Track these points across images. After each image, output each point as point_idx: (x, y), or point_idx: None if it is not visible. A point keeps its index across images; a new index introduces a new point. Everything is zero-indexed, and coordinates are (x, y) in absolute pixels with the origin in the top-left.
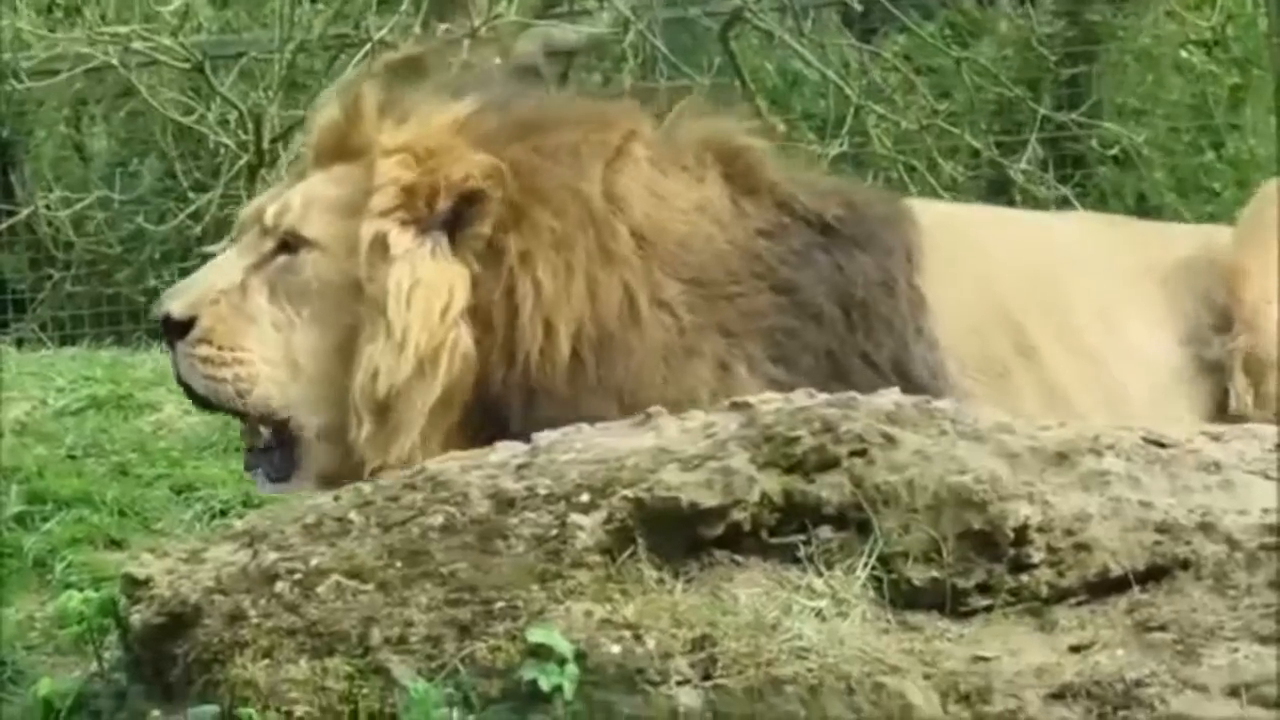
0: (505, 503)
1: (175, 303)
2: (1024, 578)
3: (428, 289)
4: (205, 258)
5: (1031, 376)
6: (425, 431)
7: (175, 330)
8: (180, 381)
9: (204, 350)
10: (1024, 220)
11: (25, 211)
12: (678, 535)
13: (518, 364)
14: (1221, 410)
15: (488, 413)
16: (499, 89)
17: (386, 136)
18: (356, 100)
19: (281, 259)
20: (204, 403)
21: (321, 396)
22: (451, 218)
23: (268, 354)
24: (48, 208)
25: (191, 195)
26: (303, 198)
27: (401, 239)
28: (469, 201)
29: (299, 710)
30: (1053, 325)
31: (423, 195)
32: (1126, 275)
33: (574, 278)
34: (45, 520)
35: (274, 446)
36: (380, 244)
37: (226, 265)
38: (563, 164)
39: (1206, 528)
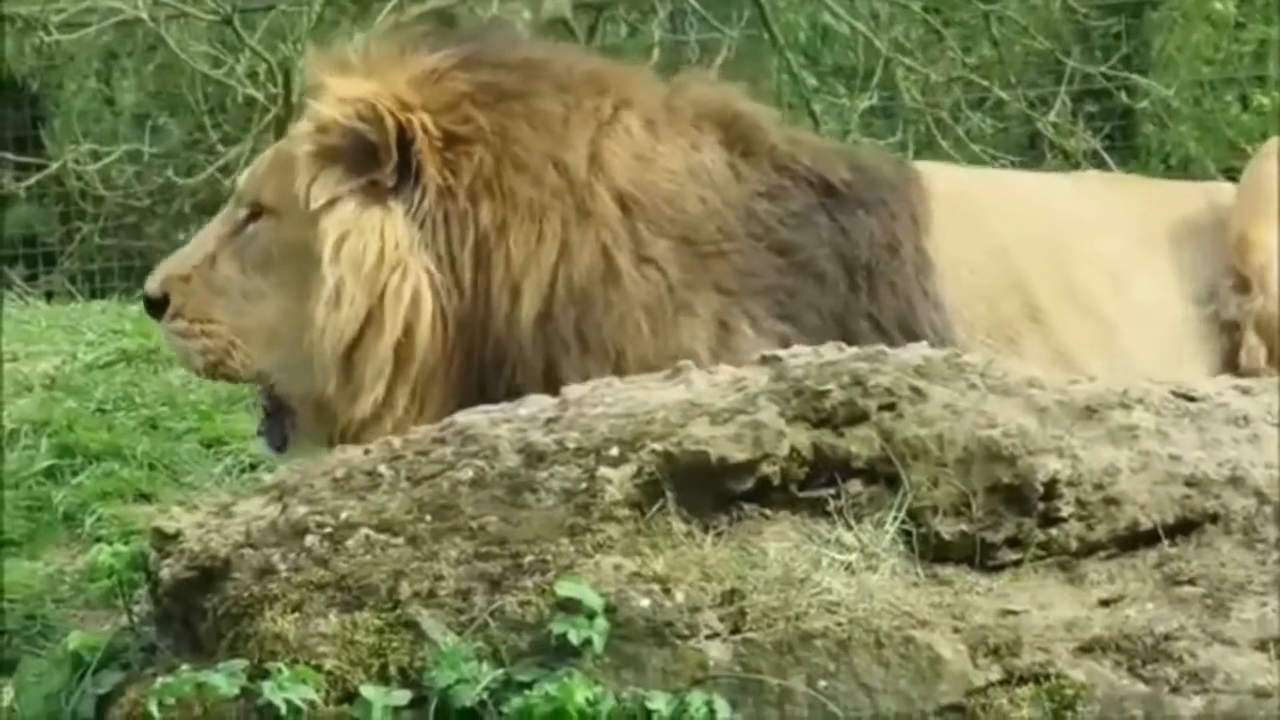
0: (535, 456)
1: (151, 282)
2: (1053, 531)
3: (356, 236)
4: None
5: (1041, 340)
6: (391, 382)
7: (155, 308)
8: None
9: (177, 325)
10: (1031, 182)
11: (54, 165)
12: (707, 489)
13: (490, 333)
14: (1232, 368)
15: (481, 376)
16: (475, 45)
17: (334, 84)
18: (325, 52)
19: (251, 228)
20: (197, 373)
21: (299, 362)
22: (365, 160)
23: (240, 324)
24: (76, 161)
25: (221, 148)
26: (268, 162)
27: (324, 185)
28: (368, 142)
29: (328, 664)
30: (1063, 289)
31: (327, 133)
32: (1135, 235)
33: (544, 242)
34: (75, 474)
35: (274, 414)
36: (307, 194)
37: (203, 238)
38: (550, 131)
39: (1235, 481)
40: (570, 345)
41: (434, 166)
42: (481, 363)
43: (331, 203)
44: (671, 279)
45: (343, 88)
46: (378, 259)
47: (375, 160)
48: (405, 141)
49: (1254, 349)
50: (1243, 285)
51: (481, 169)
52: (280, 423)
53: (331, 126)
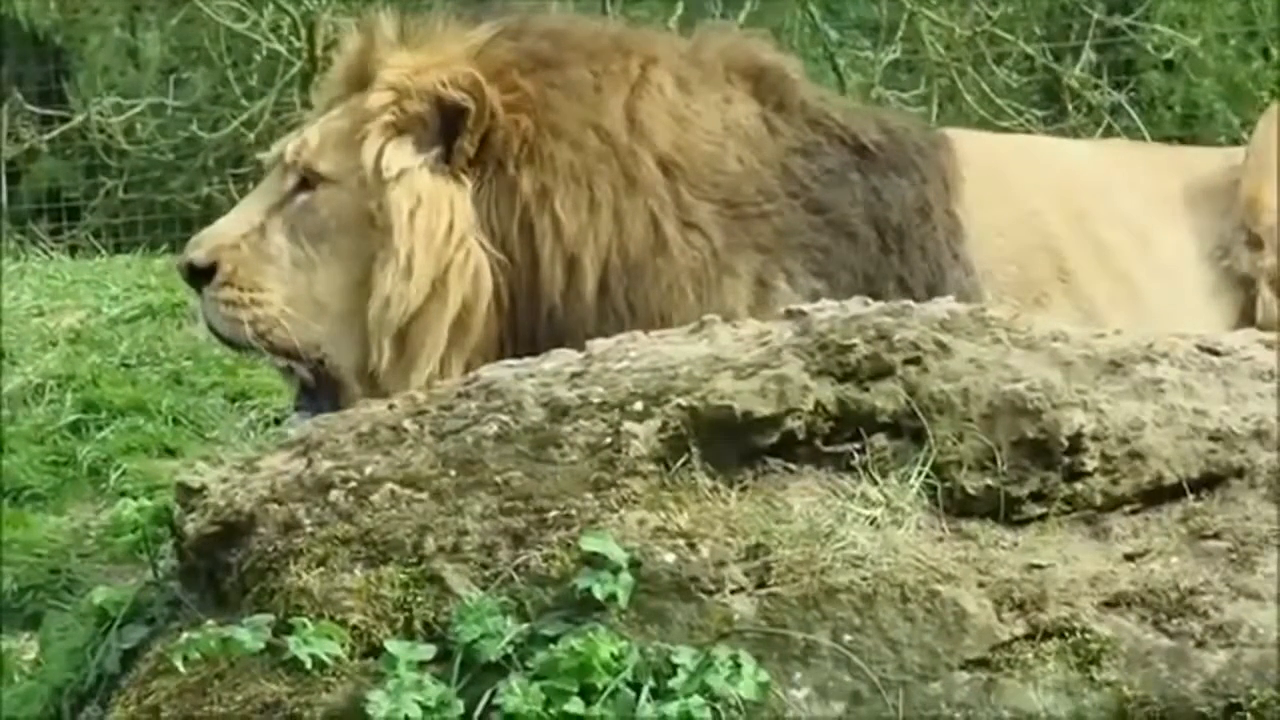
0: (559, 411)
1: (197, 251)
2: (1078, 486)
3: (428, 208)
4: (258, 164)
5: (1069, 302)
6: (445, 357)
7: (200, 277)
8: (209, 328)
9: (226, 293)
10: (1056, 148)
11: (78, 118)
12: (732, 444)
13: (542, 307)
14: (1249, 322)
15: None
16: (513, 16)
17: (394, 58)
18: (371, 29)
19: (301, 197)
20: (230, 344)
21: (349, 333)
22: (441, 132)
23: (289, 293)
24: (100, 114)
25: (245, 103)
26: (319, 133)
27: (397, 156)
28: (453, 113)
29: (353, 619)
30: (1089, 251)
31: (410, 100)
32: (1155, 198)
33: (598, 211)
34: (100, 429)
35: (316, 388)
36: (378, 163)
37: (248, 208)
38: (583, 99)
39: (1260, 435)
40: (623, 318)
41: (498, 139)
42: (533, 336)
43: (403, 173)
44: (715, 244)
45: (410, 60)
46: (447, 232)
47: (449, 133)
48: (469, 125)
49: (1269, 303)
50: (1256, 243)
51: (525, 138)
52: (322, 397)
53: (416, 95)
